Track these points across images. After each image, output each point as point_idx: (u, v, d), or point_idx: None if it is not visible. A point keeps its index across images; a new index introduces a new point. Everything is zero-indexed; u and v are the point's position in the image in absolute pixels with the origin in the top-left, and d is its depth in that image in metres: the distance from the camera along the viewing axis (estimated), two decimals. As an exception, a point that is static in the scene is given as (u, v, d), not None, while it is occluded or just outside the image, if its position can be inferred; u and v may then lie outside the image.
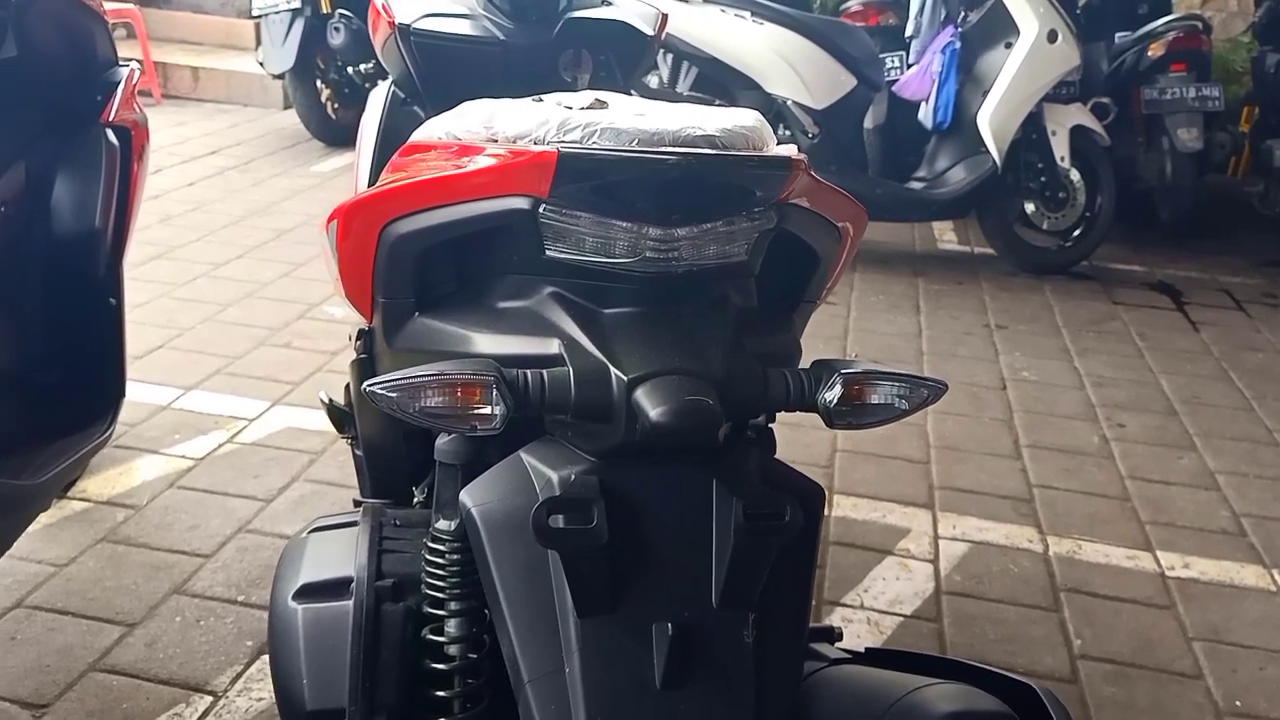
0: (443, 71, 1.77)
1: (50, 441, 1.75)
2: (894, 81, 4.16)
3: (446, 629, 0.97)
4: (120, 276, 1.85)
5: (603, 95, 0.95)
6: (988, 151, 3.88)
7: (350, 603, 0.96)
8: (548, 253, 0.85)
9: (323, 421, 2.62)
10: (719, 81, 4.02)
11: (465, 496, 0.82)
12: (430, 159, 0.94)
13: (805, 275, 0.98)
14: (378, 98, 1.99)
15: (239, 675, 1.77)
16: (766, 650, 0.78)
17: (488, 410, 0.79)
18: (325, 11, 5.11)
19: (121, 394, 1.90)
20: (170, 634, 1.85)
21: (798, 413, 0.91)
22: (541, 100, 0.95)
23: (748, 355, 0.85)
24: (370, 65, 5.24)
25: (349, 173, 5.46)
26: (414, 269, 0.94)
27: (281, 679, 0.95)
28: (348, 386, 1.42)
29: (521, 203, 0.83)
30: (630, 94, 2.29)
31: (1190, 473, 2.69)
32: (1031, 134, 3.98)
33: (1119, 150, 4.28)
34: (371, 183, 1.87)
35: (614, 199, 0.81)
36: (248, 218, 4.15)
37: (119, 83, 1.87)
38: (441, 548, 0.97)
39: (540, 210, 0.83)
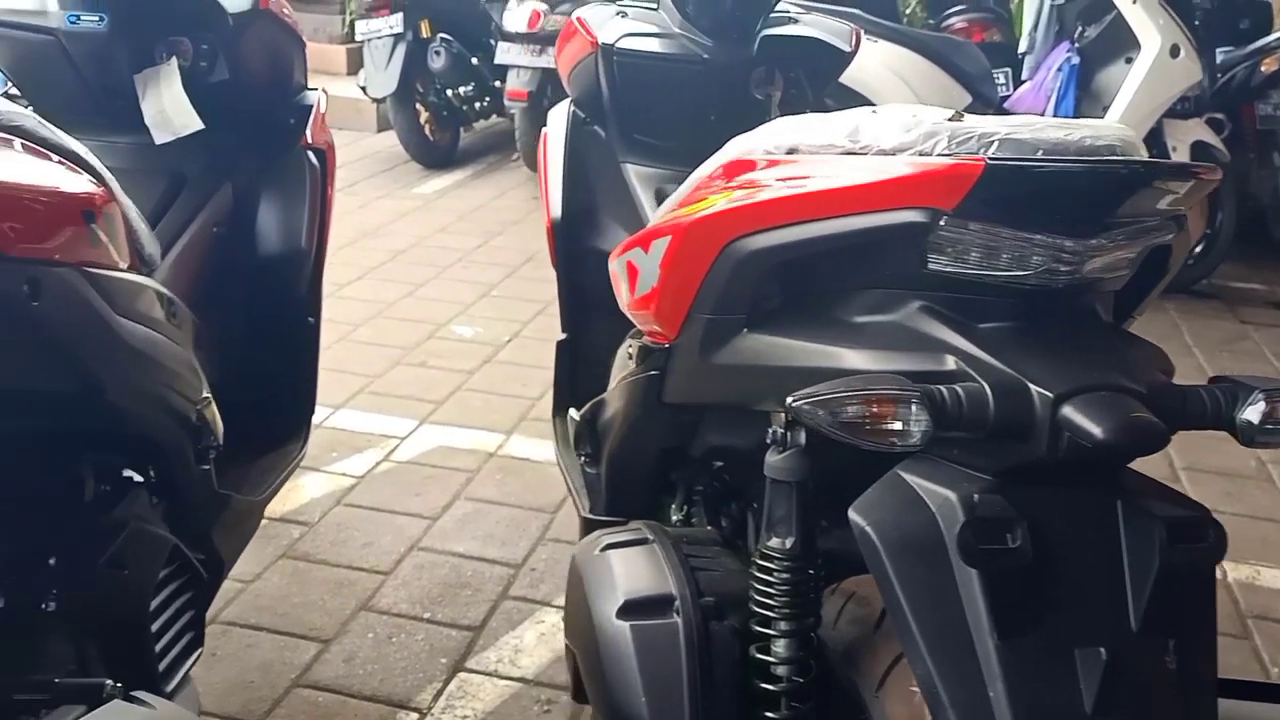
0: (640, 91, 1.78)
1: (256, 458, 1.77)
2: (1006, 98, 4.12)
3: (774, 649, 0.96)
4: (320, 295, 1.87)
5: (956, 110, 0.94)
6: (1107, 168, 3.82)
7: (678, 620, 0.96)
8: (930, 266, 0.84)
9: (473, 440, 2.66)
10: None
11: (856, 515, 0.81)
12: (782, 173, 0.93)
13: (1143, 288, 0.96)
14: (559, 119, 2.00)
15: (439, 693, 1.77)
16: (1186, 678, 0.76)
17: (901, 425, 0.78)
18: (426, 36, 5.20)
19: (312, 411, 1.92)
20: (365, 650, 1.86)
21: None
22: (877, 113, 0.94)
23: (1159, 371, 0.84)
24: (469, 88, 5.30)
25: (451, 194, 5.50)
26: (756, 285, 0.93)
27: (614, 694, 0.94)
28: (598, 403, 1.41)
29: (917, 216, 0.82)
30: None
31: (1356, 496, 2.61)
32: (1152, 150, 3.91)
33: (1230, 167, 4.19)
34: (565, 203, 1.88)
35: (1018, 211, 0.80)
36: (360, 240, 4.21)
37: (312, 106, 1.90)
38: (772, 565, 0.96)
39: (941, 223, 0.82)
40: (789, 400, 0.81)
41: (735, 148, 1.03)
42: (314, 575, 2.06)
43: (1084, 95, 3.92)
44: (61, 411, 1.08)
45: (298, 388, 1.87)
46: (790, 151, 0.96)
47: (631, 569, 1.02)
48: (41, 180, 0.95)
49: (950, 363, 0.82)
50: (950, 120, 0.89)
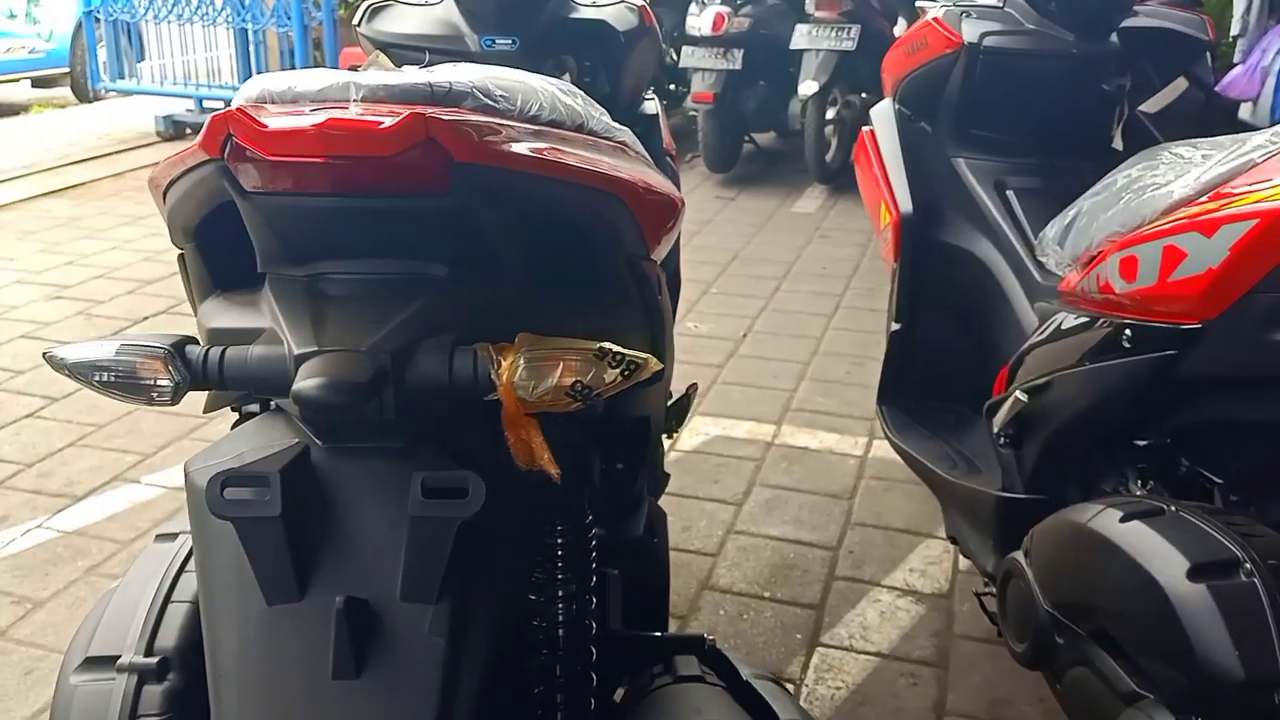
0: (997, 86, 1.84)
1: None
2: (1216, 80, 4.06)
3: (1345, 605, 1.02)
4: (678, 295, 1.98)
5: None
6: (1331, 150, 3.74)
7: (1256, 581, 1.02)
8: None
9: (747, 430, 2.75)
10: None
11: None
12: None
13: None
14: (885, 116, 2.08)
15: (806, 665, 1.87)
16: None
17: None
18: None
19: None
20: (723, 626, 1.97)
21: None
22: None
23: None
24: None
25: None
26: None
27: (1203, 652, 1.01)
28: (1042, 385, 1.47)
29: None
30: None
31: None
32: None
33: None
34: (914, 195, 1.95)
35: None
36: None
37: (655, 114, 2.02)
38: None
39: None
40: None
41: None
42: (650, 557, 2.17)
43: (1303, 77, 3.85)
44: (624, 399, 1.19)
45: None
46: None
47: (1182, 535, 1.08)
48: (669, 189, 1.06)
49: None
50: None
